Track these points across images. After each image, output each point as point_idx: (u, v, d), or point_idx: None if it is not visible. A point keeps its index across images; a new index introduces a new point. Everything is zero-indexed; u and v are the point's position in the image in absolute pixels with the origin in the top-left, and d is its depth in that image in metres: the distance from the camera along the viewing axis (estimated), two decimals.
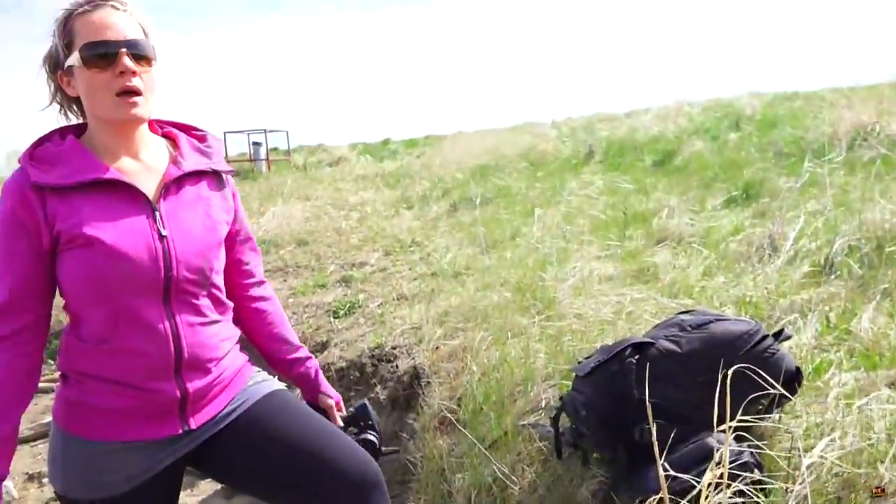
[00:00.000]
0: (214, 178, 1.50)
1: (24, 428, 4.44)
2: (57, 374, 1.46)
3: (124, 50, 1.30)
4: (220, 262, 1.44)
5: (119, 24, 1.32)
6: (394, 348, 3.70)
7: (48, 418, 4.53)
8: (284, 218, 7.44)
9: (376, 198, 8.71)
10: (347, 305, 4.59)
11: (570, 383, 2.15)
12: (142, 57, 1.33)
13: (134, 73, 1.31)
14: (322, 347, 4.18)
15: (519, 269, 3.93)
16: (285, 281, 5.52)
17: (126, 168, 1.36)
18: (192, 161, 1.45)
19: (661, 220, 4.63)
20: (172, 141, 1.48)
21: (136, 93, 1.31)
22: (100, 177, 1.30)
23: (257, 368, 1.60)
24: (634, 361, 1.83)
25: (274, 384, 1.58)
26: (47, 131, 1.39)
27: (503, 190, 6.90)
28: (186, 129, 1.53)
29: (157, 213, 1.35)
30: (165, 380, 1.36)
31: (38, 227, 1.28)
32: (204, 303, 1.41)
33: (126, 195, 1.33)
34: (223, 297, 1.48)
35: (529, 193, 6.49)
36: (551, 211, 5.45)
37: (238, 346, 1.56)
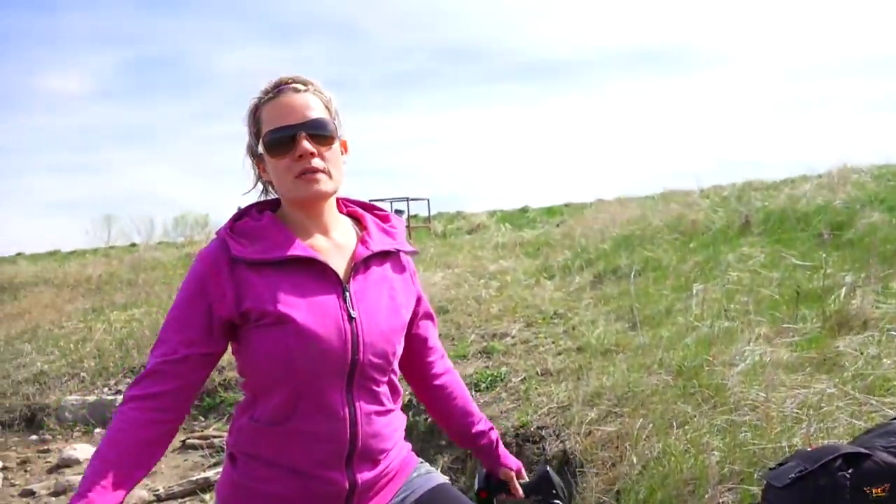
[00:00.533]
0: (397, 259, 1.47)
1: (175, 483, 4.58)
2: (224, 450, 1.44)
3: (302, 133, 1.30)
4: (401, 347, 1.41)
5: (299, 105, 1.32)
6: (540, 428, 3.48)
7: (197, 475, 4.66)
8: (425, 285, 7.47)
9: (516, 266, 8.59)
10: (489, 378, 4.43)
11: (754, 489, 1.86)
12: (322, 136, 1.33)
13: (313, 155, 1.30)
14: None
15: (679, 350, 3.62)
16: None
17: (318, 246, 1.35)
18: (378, 241, 1.42)
19: (839, 300, 4.15)
20: (358, 220, 1.47)
21: (316, 171, 1.31)
22: (297, 254, 1.29)
23: (420, 459, 1.56)
24: (848, 476, 1.54)
25: (438, 477, 1.52)
26: (244, 205, 1.41)
27: (652, 262, 6.56)
28: (369, 209, 1.51)
29: (347, 294, 1.32)
30: (336, 469, 1.31)
31: (223, 299, 1.27)
32: (383, 390, 1.38)
33: (319, 274, 1.31)
34: (397, 384, 1.45)
35: (682, 266, 6.11)
36: (709, 286, 5.07)
37: (404, 434, 1.50)
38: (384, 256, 1.43)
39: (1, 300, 11.89)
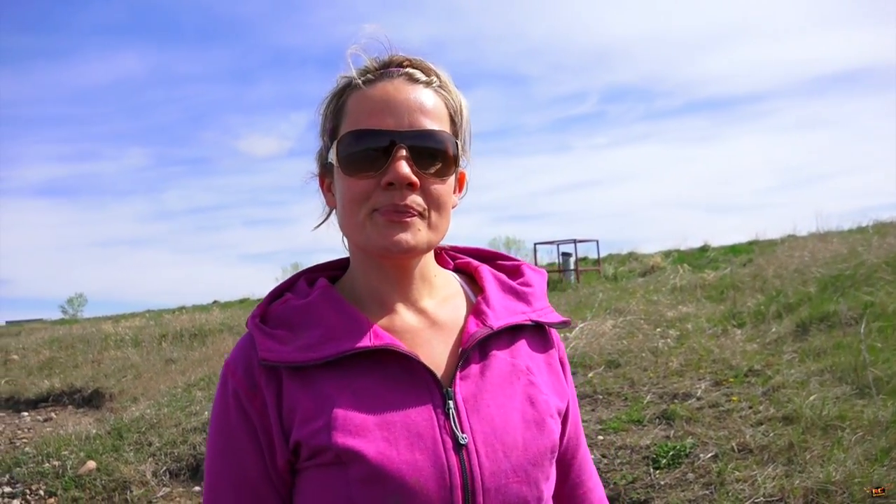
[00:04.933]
0: (536, 335, 0.95)
1: None
2: None
3: (404, 150, 0.81)
4: (551, 484, 0.88)
5: (409, 103, 0.83)
6: None
7: None
8: (594, 334, 6.74)
9: (698, 312, 7.62)
10: (670, 453, 3.66)
11: None
12: (434, 158, 0.84)
13: (413, 187, 0.82)
14: None
15: None
16: (593, 411, 4.76)
17: (402, 326, 0.88)
18: (503, 309, 0.91)
19: None
20: (471, 277, 0.99)
21: (410, 213, 0.83)
22: (364, 346, 0.82)
23: None
24: None
25: None
26: (289, 276, 0.96)
27: (874, 308, 5.40)
28: (491, 258, 1.02)
29: (451, 403, 0.82)
30: None
31: (270, 436, 0.82)
32: None
33: (403, 374, 0.83)
34: None
35: None
36: None
37: None
38: (515, 335, 0.91)
39: (191, 346, 12.69)
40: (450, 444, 0.79)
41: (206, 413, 7.15)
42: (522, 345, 0.92)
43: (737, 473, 3.11)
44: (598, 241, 17.53)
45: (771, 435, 3.45)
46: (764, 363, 4.90)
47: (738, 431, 3.65)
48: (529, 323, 0.92)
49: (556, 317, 0.95)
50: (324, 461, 0.79)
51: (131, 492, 5.83)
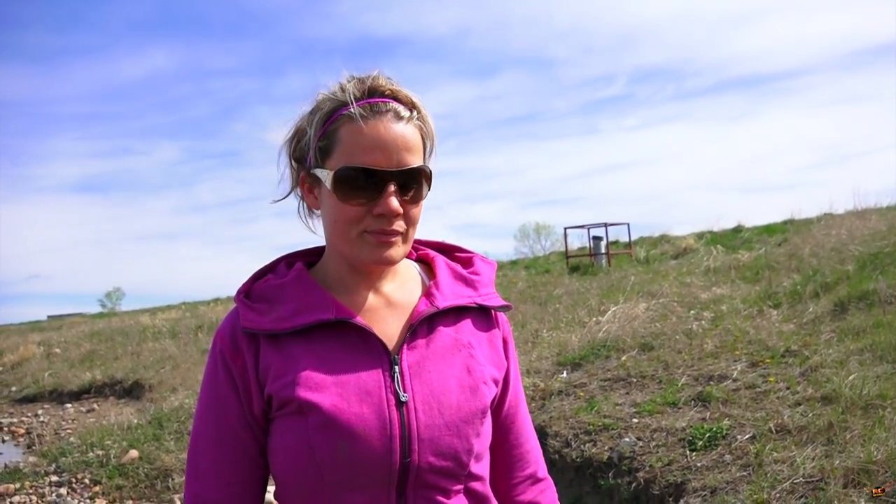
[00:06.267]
0: (482, 317, 1.11)
1: None
2: None
3: (393, 187, 0.98)
4: (482, 440, 1.03)
5: (398, 142, 0.99)
6: None
7: None
8: (626, 318, 6.69)
9: (732, 294, 7.51)
10: (707, 434, 3.63)
11: None
12: (415, 192, 1.01)
13: (398, 215, 0.99)
14: (676, 491, 3.29)
15: None
16: (628, 394, 4.74)
17: (362, 304, 1.05)
18: (450, 293, 1.08)
19: None
20: (428, 266, 1.14)
21: (394, 234, 1.01)
22: (324, 318, 1.00)
23: None
24: None
25: None
26: (272, 260, 1.13)
27: None
28: (449, 251, 1.18)
29: (397, 368, 0.99)
30: None
31: (248, 390, 1.00)
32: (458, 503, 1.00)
33: (358, 343, 1.00)
34: (489, 493, 1.06)
35: None
36: None
37: None
38: (460, 314, 1.08)
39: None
40: (392, 401, 0.96)
41: None
42: (467, 324, 1.08)
43: (775, 454, 3.08)
44: (629, 224, 17.35)
45: (810, 415, 3.40)
46: (801, 343, 4.82)
47: (775, 412, 3.61)
48: (474, 305, 1.07)
49: (498, 301, 1.10)
50: (289, 411, 0.96)
51: (173, 479, 5.97)
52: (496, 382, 1.07)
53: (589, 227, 16.90)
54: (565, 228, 17.64)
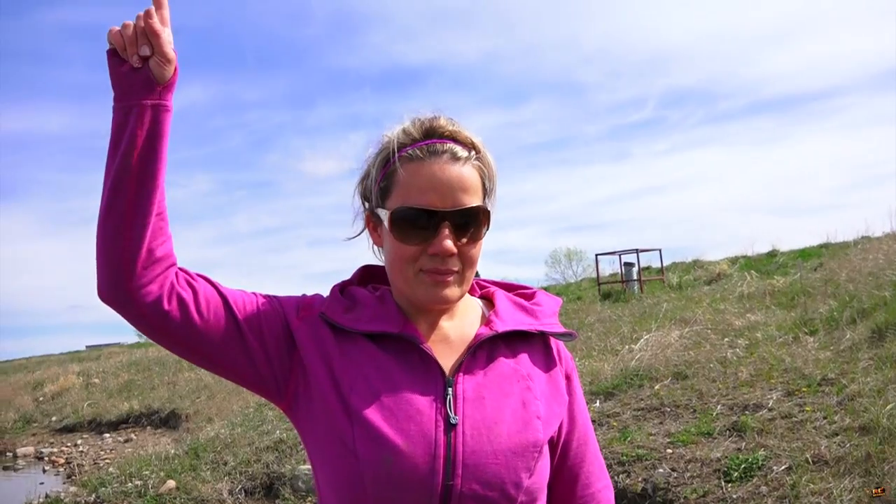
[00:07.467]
0: (542, 348, 1.10)
1: None
2: None
3: (447, 228, 1.00)
4: (536, 477, 0.99)
5: (453, 183, 1.01)
6: None
7: None
8: (659, 346, 6.65)
9: (767, 320, 7.42)
10: (742, 465, 3.60)
11: None
12: (470, 228, 1.03)
13: (452, 255, 1.01)
14: None
15: None
16: (661, 424, 4.71)
17: (426, 329, 1.07)
18: (509, 319, 1.08)
19: None
20: (490, 302, 1.14)
21: (450, 274, 1.03)
22: (388, 330, 1.02)
23: None
24: None
25: None
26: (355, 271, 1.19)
27: None
28: (510, 289, 1.18)
29: (450, 391, 0.99)
30: None
31: (288, 335, 1.04)
32: None
33: (419, 362, 1.02)
34: None
35: None
36: None
37: None
38: (521, 341, 1.08)
39: None
40: (442, 424, 0.96)
41: (278, 432, 7.34)
42: (528, 357, 1.07)
43: (812, 486, 3.04)
44: (661, 250, 17.23)
45: (847, 446, 3.36)
46: (838, 371, 4.75)
47: (812, 443, 3.56)
48: (535, 332, 1.07)
49: (559, 328, 1.10)
50: (331, 408, 0.98)
51: None
52: (555, 419, 1.06)
53: (620, 253, 16.81)
54: (596, 255, 17.57)
